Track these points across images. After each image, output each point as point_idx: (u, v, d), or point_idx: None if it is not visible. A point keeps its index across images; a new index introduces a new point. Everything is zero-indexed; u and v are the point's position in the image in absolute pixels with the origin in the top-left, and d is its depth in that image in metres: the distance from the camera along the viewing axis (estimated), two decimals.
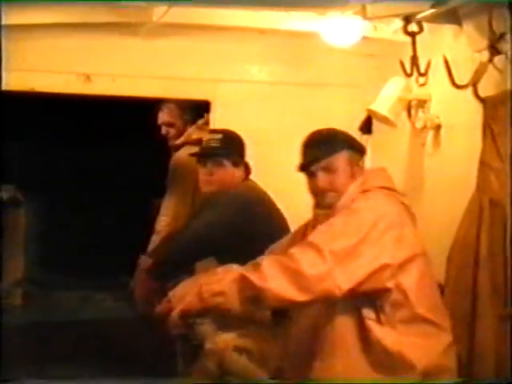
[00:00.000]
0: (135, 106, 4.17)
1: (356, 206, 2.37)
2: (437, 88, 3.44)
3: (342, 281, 2.23)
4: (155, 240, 4.05)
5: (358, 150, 2.57)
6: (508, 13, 2.75)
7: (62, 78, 3.87)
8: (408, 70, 3.35)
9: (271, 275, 2.21)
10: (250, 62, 4.16)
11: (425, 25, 3.24)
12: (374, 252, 2.27)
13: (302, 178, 2.54)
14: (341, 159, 2.48)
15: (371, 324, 2.31)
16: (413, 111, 3.67)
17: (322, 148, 2.48)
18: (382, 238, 2.29)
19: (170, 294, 2.40)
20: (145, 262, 2.99)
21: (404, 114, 3.68)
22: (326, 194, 2.47)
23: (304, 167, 2.52)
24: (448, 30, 3.33)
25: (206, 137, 3.25)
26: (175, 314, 2.30)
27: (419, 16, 3.16)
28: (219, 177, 3.13)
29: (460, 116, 3.31)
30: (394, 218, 2.36)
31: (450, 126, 3.43)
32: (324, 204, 2.51)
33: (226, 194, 3.07)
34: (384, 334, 2.31)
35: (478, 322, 2.73)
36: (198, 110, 4.27)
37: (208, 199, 3.14)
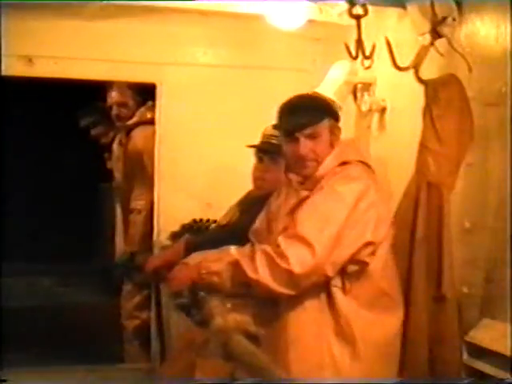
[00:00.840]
0: (79, 89, 4.13)
1: (336, 187, 2.41)
2: (382, 71, 3.47)
3: (330, 269, 2.32)
4: (136, 219, 4.21)
5: (337, 117, 2.62)
6: None
7: (3, 60, 3.77)
8: (353, 53, 3.29)
9: (262, 269, 2.29)
10: (194, 44, 4.15)
11: (369, 7, 3.18)
12: (357, 232, 2.35)
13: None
14: (324, 127, 2.54)
15: (336, 291, 2.38)
16: (358, 94, 3.70)
17: (308, 114, 2.52)
18: (364, 218, 2.37)
19: (187, 258, 2.56)
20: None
21: (350, 97, 3.70)
22: (306, 163, 2.52)
23: (287, 132, 2.54)
24: (392, 12, 3.37)
25: (267, 131, 3.21)
26: (179, 283, 2.47)
27: None
28: (274, 176, 3.12)
29: (404, 99, 3.35)
30: (373, 196, 2.43)
31: (394, 108, 3.47)
32: (302, 172, 2.55)
33: None
34: (346, 304, 2.38)
35: (412, 304, 2.76)
36: (148, 91, 4.27)
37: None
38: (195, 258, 2.56)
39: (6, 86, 3.70)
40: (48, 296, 4.98)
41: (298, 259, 2.28)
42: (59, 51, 3.87)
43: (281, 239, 2.34)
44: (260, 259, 2.31)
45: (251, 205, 3.19)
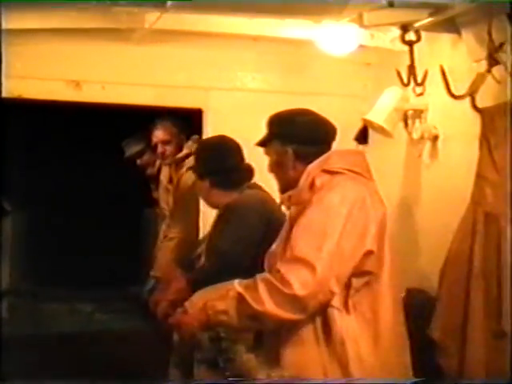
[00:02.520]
0: (125, 114, 4.17)
1: (326, 199, 2.33)
2: (434, 98, 3.44)
3: (334, 285, 2.25)
4: (167, 246, 4.32)
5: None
6: (508, 22, 2.76)
7: (51, 84, 3.84)
8: (405, 80, 3.35)
9: (267, 298, 2.23)
10: (243, 69, 4.14)
11: (423, 33, 3.24)
12: (355, 242, 2.28)
13: None
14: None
15: (333, 313, 2.31)
16: (409, 121, 3.67)
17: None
18: (360, 226, 2.29)
19: (186, 303, 2.47)
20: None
21: (401, 125, 3.68)
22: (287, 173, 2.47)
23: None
24: (446, 39, 3.35)
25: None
26: (189, 328, 2.40)
27: (417, 24, 3.17)
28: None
29: (457, 127, 3.31)
30: (366, 201, 2.34)
31: (447, 136, 3.43)
32: (286, 186, 2.49)
33: (237, 207, 3.05)
34: (346, 325, 2.31)
35: (469, 337, 2.73)
36: (192, 127, 4.32)
37: (222, 214, 3.11)
38: (198, 298, 2.48)
39: (55, 111, 3.75)
40: (89, 323, 5.00)
41: (300, 282, 2.21)
42: (107, 76, 3.91)
43: (280, 264, 2.29)
44: (263, 289, 2.25)
45: (218, 224, 3.14)
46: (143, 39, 3.66)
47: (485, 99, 2.94)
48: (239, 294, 2.28)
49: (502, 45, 2.84)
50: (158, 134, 4.41)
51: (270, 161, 2.52)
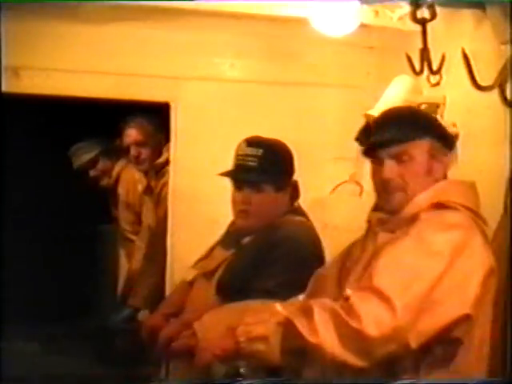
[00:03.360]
0: (77, 108, 4.08)
1: (427, 236, 2.26)
2: (453, 89, 3.38)
3: (413, 338, 2.14)
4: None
5: (444, 138, 2.48)
6: None
7: None
8: (417, 67, 3.23)
9: (324, 330, 2.11)
10: (220, 54, 4.13)
11: (438, 10, 3.12)
12: (453, 298, 2.18)
13: None
14: (419, 148, 2.40)
15: None
16: None
17: (396, 130, 2.39)
18: (463, 281, 2.20)
19: (196, 325, 2.46)
20: None
21: None
22: (391, 194, 2.39)
23: (368, 152, 2.43)
24: (467, 16, 3.30)
25: (241, 150, 3.11)
26: (207, 357, 2.33)
27: None
28: (258, 206, 3.05)
29: (482, 124, 3.26)
30: (478, 252, 2.26)
31: (469, 135, 3.28)
32: (386, 206, 2.42)
33: (280, 242, 3.00)
34: None
35: None
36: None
37: (257, 246, 3.05)
38: (215, 319, 2.46)
39: None
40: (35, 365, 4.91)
41: (374, 318, 2.10)
42: (50, 62, 3.86)
43: (350, 292, 2.19)
44: (320, 317, 2.13)
45: (244, 245, 3.09)
46: (93, 17, 3.60)
47: None
48: (287, 319, 2.17)
49: None
50: (132, 134, 4.42)
51: (402, 165, 2.39)
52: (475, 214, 2.38)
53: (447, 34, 3.36)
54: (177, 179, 4.10)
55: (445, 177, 2.48)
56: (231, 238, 3.21)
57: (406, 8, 3.26)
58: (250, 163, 3.03)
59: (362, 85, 4.09)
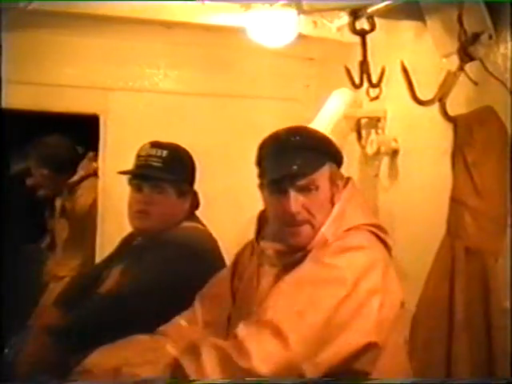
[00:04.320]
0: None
1: (328, 259, 2.18)
2: (393, 103, 3.42)
3: (310, 370, 2.06)
4: (56, 288, 4.02)
5: (339, 161, 2.40)
6: (484, 6, 2.72)
7: None
8: (356, 80, 3.26)
9: (212, 370, 2.04)
10: (152, 65, 4.10)
11: (378, 21, 3.17)
12: (356, 326, 2.11)
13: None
14: (323, 175, 2.30)
15: None
16: (363, 132, 3.66)
17: (303, 158, 2.28)
18: (366, 306, 2.13)
19: (86, 362, 2.31)
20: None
21: (352, 136, 3.67)
22: (296, 227, 2.29)
23: (273, 182, 2.32)
24: (407, 27, 3.32)
25: (144, 150, 3.05)
26: None
27: (370, 9, 3.10)
28: (159, 208, 2.97)
29: (423, 139, 3.27)
30: (381, 276, 2.19)
31: (409, 151, 3.39)
32: (289, 240, 2.31)
33: (169, 239, 2.92)
34: None
35: None
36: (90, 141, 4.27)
37: (145, 244, 2.99)
38: (105, 357, 2.32)
39: None
40: None
41: (264, 355, 2.04)
42: None
43: (241, 327, 2.11)
44: (208, 357, 2.06)
45: (137, 252, 3.00)
46: (14, 23, 3.46)
47: (457, 104, 2.90)
48: (175, 360, 2.08)
49: (477, 36, 2.78)
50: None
51: (307, 196, 2.29)
52: (377, 228, 2.32)
53: (387, 46, 3.39)
54: (105, 194, 4.06)
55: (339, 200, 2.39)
56: (124, 252, 3.15)
57: (345, 18, 3.24)
58: (154, 163, 2.98)
59: (300, 97, 4.12)
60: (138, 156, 3.05)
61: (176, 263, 2.83)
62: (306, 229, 2.29)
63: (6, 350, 3.60)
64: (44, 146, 4.40)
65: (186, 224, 3.04)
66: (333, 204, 2.32)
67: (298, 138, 2.35)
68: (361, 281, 2.14)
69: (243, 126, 4.07)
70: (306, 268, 2.20)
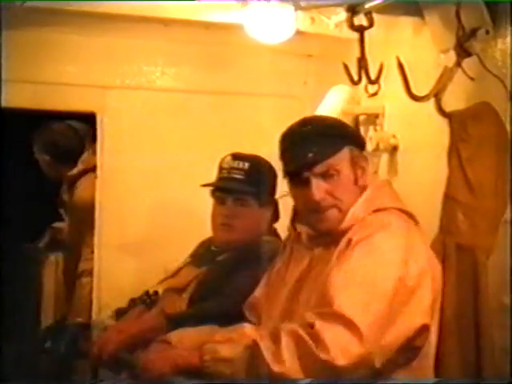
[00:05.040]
0: None
1: (377, 242, 2.26)
2: (392, 99, 3.41)
3: (378, 359, 2.15)
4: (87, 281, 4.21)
5: (361, 144, 2.50)
6: (482, 1, 2.72)
7: None
8: (355, 76, 3.27)
9: (291, 357, 2.10)
10: (150, 62, 4.09)
11: (376, 17, 3.18)
12: (412, 307, 2.20)
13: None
14: (342, 159, 2.40)
15: None
16: (362, 129, 3.64)
17: (317, 146, 2.37)
18: (420, 286, 2.22)
19: (170, 336, 2.46)
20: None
21: None
22: (323, 213, 2.38)
23: (293, 172, 2.40)
24: (406, 23, 3.31)
25: (226, 163, 3.15)
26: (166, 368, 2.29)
27: (368, 5, 3.11)
28: (242, 221, 3.08)
29: (422, 135, 3.27)
30: (423, 255, 2.29)
31: (408, 148, 3.39)
32: (319, 226, 2.41)
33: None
34: None
35: None
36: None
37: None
38: (187, 334, 2.46)
39: None
40: None
41: (341, 347, 2.09)
42: None
43: (314, 318, 2.15)
44: (288, 344, 2.12)
45: (220, 261, 3.10)
46: (14, 20, 3.47)
47: (455, 100, 2.91)
48: (255, 342, 2.14)
49: (474, 31, 2.79)
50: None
51: (329, 181, 2.39)
52: (408, 215, 2.42)
53: (386, 43, 3.38)
54: (104, 192, 4.05)
55: (367, 182, 2.49)
56: (203, 256, 3.23)
57: (343, 15, 3.23)
58: (236, 176, 3.08)
59: (299, 94, 4.09)
60: (221, 168, 3.15)
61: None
62: (332, 213, 2.39)
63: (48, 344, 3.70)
64: (49, 132, 4.46)
65: (268, 238, 3.14)
66: (358, 186, 2.42)
67: (309, 127, 2.45)
68: (409, 261, 2.22)
69: (241, 124, 4.08)
70: (355, 251, 2.27)
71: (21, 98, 3.87)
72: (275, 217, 3.22)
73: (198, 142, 4.06)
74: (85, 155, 4.39)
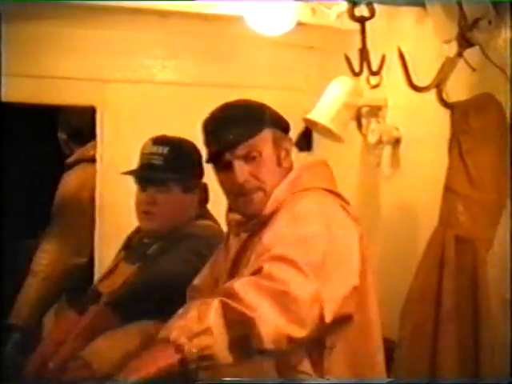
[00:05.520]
0: None
1: (299, 209, 2.27)
2: (395, 91, 3.41)
3: (327, 308, 2.11)
4: (31, 283, 4.07)
5: (283, 126, 2.51)
6: None
7: None
8: (356, 68, 3.27)
9: (257, 302, 2.01)
10: (150, 55, 4.10)
11: (377, 7, 3.16)
12: (343, 268, 2.20)
13: None
14: (264, 141, 2.41)
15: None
16: (364, 121, 3.66)
17: (237, 127, 2.39)
18: (342, 246, 2.22)
19: (84, 354, 2.40)
20: None
21: (353, 125, 3.66)
22: (248, 196, 2.39)
23: (214, 156, 2.42)
24: (408, 14, 3.31)
25: (146, 148, 3.08)
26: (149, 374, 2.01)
27: None
28: (164, 208, 3.01)
29: (425, 127, 3.28)
30: (350, 222, 2.30)
31: (411, 140, 3.39)
32: (246, 210, 2.42)
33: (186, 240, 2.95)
34: None
35: None
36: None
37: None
38: (115, 342, 2.43)
39: None
40: None
41: (292, 280, 2.05)
42: None
43: (259, 262, 2.12)
44: (246, 292, 2.02)
45: (149, 255, 3.04)
46: (11, 15, 3.49)
47: (456, 91, 2.90)
48: (221, 302, 2.02)
49: (476, 21, 2.77)
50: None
51: (252, 163, 2.39)
52: (337, 196, 2.41)
53: (387, 33, 3.37)
54: (104, 187, 4.07)
55: (292, 164, 2.49)
56: (136, 250, 3.16)
57: (344, 5, 3.22)
58: (155, 162, 3.00)
59: (301, 87, 4.10)
60: (142, 154, 3.07)
61: (189, 264, 2.85)
62: (258, 196, 2.39)
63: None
64: (68, 110, 4.38)
65: (199, 222, 3.07)
66: (283, 168, 2.43)
67: (231, 110, 2.49)
68: (332, 225, 2.23)
69: None
70: (279, 217, 2.28)
71: (20, 92, 3.88)
72: (204, 200, 3.15)
73: (199, 135, 4.05)
74: (83, 147, 4.33)
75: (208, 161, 2.46)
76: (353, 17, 3.16)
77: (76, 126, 4.35)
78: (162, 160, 2.99)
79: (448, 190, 2.86)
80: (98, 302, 2.91)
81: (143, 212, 3.04)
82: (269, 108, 2.52)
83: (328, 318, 2.10)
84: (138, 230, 3.23)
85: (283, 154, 2.44)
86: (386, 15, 3.32)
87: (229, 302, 2.02)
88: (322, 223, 2.22)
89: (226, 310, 2.01)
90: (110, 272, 3.16)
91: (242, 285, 2.06)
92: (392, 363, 2.88)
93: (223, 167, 2.40)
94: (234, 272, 2.41)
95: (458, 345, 2.73)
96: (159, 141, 3.08)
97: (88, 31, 3.88)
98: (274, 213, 2.34)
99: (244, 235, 2.43)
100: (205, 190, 3.13)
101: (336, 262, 2.17)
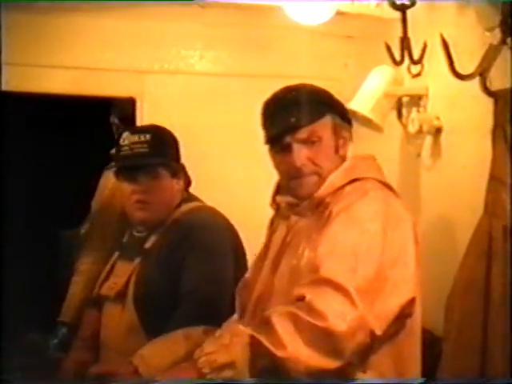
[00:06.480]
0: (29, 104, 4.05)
1: (355, 212, 2.26)
2: (436, 80, 3.39)
3: (376, 325, 2.12)
4: (78, 281, 4.04)
5: (343, 113, 2.51)
6: None
7: None
8: (397, 57, 3.26)
9: (290, 338, 2.05)
10: (188, 46, 4.12)
11: None
12: (397, 275, 2.19)
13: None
14: (324, 127, 2.41)
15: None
16: (404, 110, 3.64)
17: (300, 111, 2.38)
18: (397, 252, 2.22)
19: (135, 360, 2.43)
20: None
21: (393, 115, 3.64)
22: (303, 178, 2.39)
23: (273, 139, 2.42)
24: (449, 1, 3.26)
25: (125, 139, 3.02)
26: None
27: None
28: (159, 195, 2.99)
29: (466, 116, 3.24)
30: (403, 213, 2.30)
31: (453, 129, 3.36)
32: (298, 193, 2.42)
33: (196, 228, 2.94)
34: None
35: None
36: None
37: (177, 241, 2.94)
38: (163, 350, 2.44)
39: None
40: None
41: (336, 312, 2.06)
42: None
43: (302, 289, 2.13)
44: (282, 326, 2.06)
45: (148, 250, 3.01)
46: (50, 8, 3.56)
47: (500, 79, 2.84)
48: (251, 337, 2.07)
49: None
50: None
51: (311, 148, 2.39)
52: (388, 188, 2.41)
53: (429, 22, 3.34)
54: None
55: (346, 153, 2.50)
56: (130, 245, 3.13)
57: None
58: (140, 150, 2.96)
59: (339, 77, 4.08)
60: (121, 146, 3.02)
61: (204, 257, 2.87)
62: (312, 179, 2.40)
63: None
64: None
65: (191, 205, 3.07)
66: (339, 155, 2.44)
67: (294, 93, 2.47)
68: (388, 229, 2.22)
69: None
70: (336, 222, 2.27)
71: (59, 83, 3.92)
72: (188, 183, 3.13)
73: (238, 126, 4.07)
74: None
75: (267, 142, 2.45)
76: (393, 5, 3.14)
77: (127, 112, 4.36)
78: (146, 147, 2.96)
79: (494, 179, 2.82)
80: (101, 306, 3.02)
81: (137, 202, 2.99)
82: (332, 95, 2.52)
83: (379, 332, 2.13)
84: (121, 228, 3.26)
85: (341, 142, 2.45)
86: (426, 3, 3.30)
87: (260, 338, 2.06)
88: (379, 227, 2.22)
89: (255, 346, 2.07)
90: (108, 274, 3.14)
91: (279, 318, 2.09)
92: (438, 357, 2.89)
93: (281, 149, 2.40)
94: (277, 261, 2.41)
95: (508, 337, 2.69)
96: (137, 130, 3.11)
97: (126, 22, 3.92)
98: (328, 203, 2.34)
99: (294, 218, 2.43)
100: (186, 172, 3.12)
101: (390, 267, 2.18)
